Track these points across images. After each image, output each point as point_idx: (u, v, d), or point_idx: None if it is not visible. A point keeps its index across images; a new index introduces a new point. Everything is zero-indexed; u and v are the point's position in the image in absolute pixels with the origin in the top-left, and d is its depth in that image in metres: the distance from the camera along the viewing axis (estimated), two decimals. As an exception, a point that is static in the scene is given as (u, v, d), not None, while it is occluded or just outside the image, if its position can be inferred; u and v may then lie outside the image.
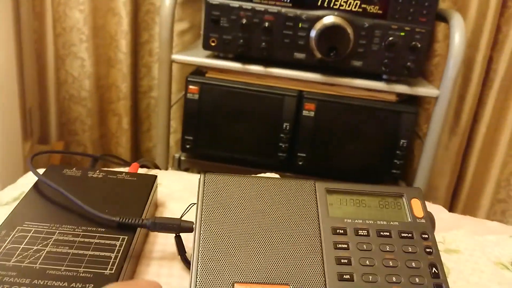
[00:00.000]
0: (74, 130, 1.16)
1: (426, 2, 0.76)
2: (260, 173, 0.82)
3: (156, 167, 0.52)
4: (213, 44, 0.81)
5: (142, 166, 0.52)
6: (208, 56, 0.84)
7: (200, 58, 0.83)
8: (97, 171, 0.40)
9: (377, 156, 0.84)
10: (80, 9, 1.05)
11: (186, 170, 0.95)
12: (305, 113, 0.83)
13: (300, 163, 0.85)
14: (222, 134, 0.85)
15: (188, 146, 0.87)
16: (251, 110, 0.83)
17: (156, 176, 0.42)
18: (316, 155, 0.85)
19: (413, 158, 1.07)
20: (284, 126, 0.83)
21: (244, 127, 0.84)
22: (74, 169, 0.40)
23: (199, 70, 0.86)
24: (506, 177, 1.08)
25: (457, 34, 0.79)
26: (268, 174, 0.53)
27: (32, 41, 1.07)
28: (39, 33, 1.10)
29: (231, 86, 0.83)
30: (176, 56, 0.83)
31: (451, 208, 1.15)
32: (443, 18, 0.84)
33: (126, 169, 0.47)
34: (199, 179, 0.35)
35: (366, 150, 0.84)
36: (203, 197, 0.34)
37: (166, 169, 0.91)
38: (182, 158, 0.91)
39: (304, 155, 0.85)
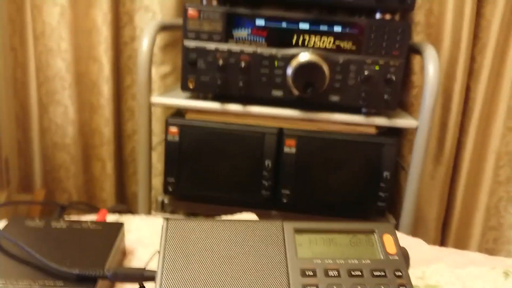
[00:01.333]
0: (58, 177, 1.15)
1: (398, 36, 0.78)
2: (244, 211, 0.80)
3: (129, 212, 0.51)
4: (191, 85, 0.81)
5: (114, 212, 0.50)
6: (188, 98, 0.84)
7: (179, 99, 0.83)
8: (61, 221, 0.39)
9: (362, 189, 0.83)
10: (62, 58, 1.06)
11: (172, 212, 0.94)
12: (286, 149, 0.82)
13: (284, 200, 0.84)
14: (205, 174, 0.84)
15: (170, 189, 0.85)
16: (232, 149, 0.83)
17: (122, 224, 0.40)
18: (300, 191, 0.84)
19: (400, 190, 1.06)
20: (266, 163, 0.83)
21: (226, 167, 0.83)
22: (37, 220, 0.39)
23: (179, 112, 0.86)
24: (495, 204, 1.07)
25: (431, 65, 0.80)
26: (244, 214, 0.52)
27: (8, 91, 1.07)
28: (22, 82, 1.11)
29: (211, 126, 0.83)
30: (155, 99, 0.83)
31: (442, 238, 1.13)
32: (417, 50, 0.86)
33: (95, 217, 0.45)
34: (162, 225, 0.34)
35: (350, 183, 0.83)
36: (165, 244, 0.33)
37: (149, 213, 0.89)
38: (166, 201, 0.89)
39: (288, 192, 0.84)
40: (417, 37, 1.01)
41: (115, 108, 1.10)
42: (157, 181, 1.18)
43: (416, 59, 1.02)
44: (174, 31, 1.06)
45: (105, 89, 1.07)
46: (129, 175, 1.21)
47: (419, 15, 1.00)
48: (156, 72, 1.14)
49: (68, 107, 1.09)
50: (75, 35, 1.04)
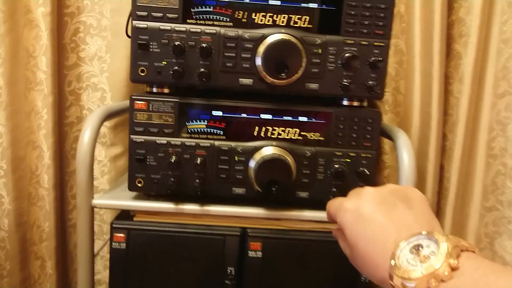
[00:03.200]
0: (-9, 276, 0.99)
1: (369, 125, 0.71)
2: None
3: None
4: (139, 185, 0.71)
5: None
6: (136, 197, 0.74)
7: (126, 201, 0.72)
8: None
9: (338, 296, 0.73)
10: (-3, 143, 0.94)
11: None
12: (251, 254, 0.72)
13: (251, 312, 0.73)
14: (157, 286, 0.72)
15: (116, 304, 0.72)
16: (189, 256, 0.72)
17: None
18: (268, 301, 0.73)
19: None
20: (229, 271, 0.72)
21: (182, 277, 0.72)
22: None
23: (127, 212, 0.75)
24: None
25: (405, 154, 0.73)
26: None
27: None
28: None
29: (163, 230, 0.72)
30: (97, 201, 0.72)
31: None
32: (387, 134, 0.80)
33: None
34: None
35: (325, 290, 0.73)
36: None
37: (92, 332, 0.75)
38: (112, 315, 0.76)
39: (255, 302, 0.73)
40: (385, 117, 0.96)
41: (57, 198, 0.97)
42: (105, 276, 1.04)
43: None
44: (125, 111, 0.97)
45: (46, 178, 0.95)
46: (74, 269, 1.06)
47: (386, 94, 0.95)
48: (106, 154, 1.03)
49: (4, 197, 0.96)
50: (12, 119, 0.93)
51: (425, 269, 0.36)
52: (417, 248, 0.38)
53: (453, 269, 0.35)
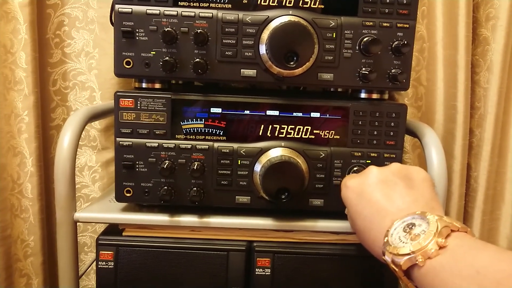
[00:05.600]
0: (-27, 296, 0.90)
1: (392, 122, 0.61)
2: None
3: None
4: (128, 195, 0.61)
5: None
6: (125, 209, 0.64)
7: (113, 213, 0.63)
8: None
9: (360, 319, 0.63)
10: (-25, 149, 0.85)
11: None
12: (258, 271, 0.63)
13: (260, 339, 0.63)
14: (151, 310, 0.63)
15: (105, 331, 0.63)
16: (186, 275, 0.62)
17: None
18: (280, 326, 0.63)
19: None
20: (233, 292, 0.62)
21: (180, 299, 0.63)
22: None
23: (115, 227, 0.66)
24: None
25: (434, 152, 0.64)
26: None
27: None
28: None
29: (157, 246, 0.62)
30: (80, 215, 0.62)
31: None
32: (411, 131, 0.70)
33: None
34: None
35: (344, 312, 0.63)
36: None
37: None
38: None
39: (264, 327, 0.63)
40: (406, 111, 0.86)
41: (42, 209, 0.88)
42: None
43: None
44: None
45: (29, 187, 0.86)
46: (66, 286, 0.97)
47: (406, 86, 0.85)
48: (97, 159, 0.94)
49: (-16, 209, 0.87)
50: (-11, 123, 0.84)
51: (413, 246, 0.37)
52: (410, 227, 0.40)
53: (441, 247, 0.36)
